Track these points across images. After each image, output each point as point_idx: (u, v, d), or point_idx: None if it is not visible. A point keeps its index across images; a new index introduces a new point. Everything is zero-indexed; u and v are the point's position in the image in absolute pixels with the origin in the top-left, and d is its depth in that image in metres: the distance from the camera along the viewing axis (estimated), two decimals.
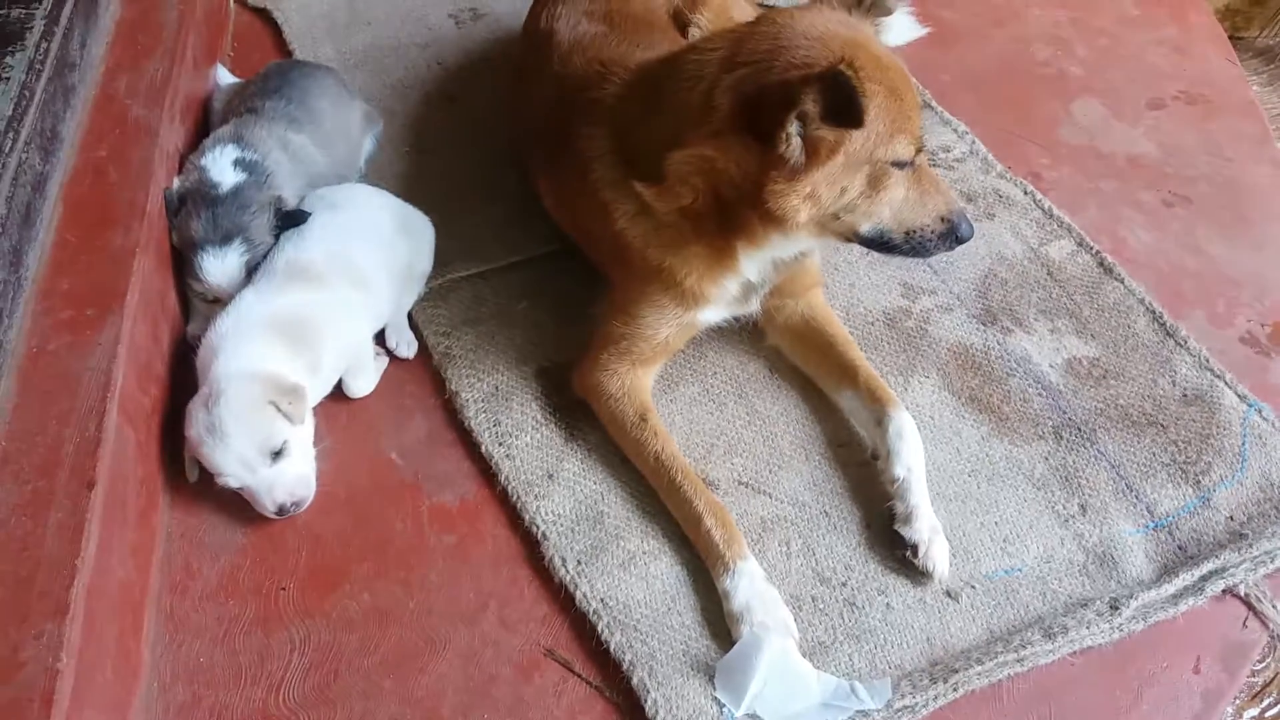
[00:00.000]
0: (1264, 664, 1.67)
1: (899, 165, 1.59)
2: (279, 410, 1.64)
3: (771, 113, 1.51)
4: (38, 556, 1.32)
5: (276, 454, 1.64)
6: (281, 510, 1.66)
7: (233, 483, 1.64)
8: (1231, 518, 1.78)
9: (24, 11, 1.80)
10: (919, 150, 1.61)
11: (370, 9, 2.77)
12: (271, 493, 1.65)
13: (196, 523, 1.71)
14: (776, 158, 1.53)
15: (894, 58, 1.62)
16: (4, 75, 1.69)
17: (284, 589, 1.63)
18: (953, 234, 1.68)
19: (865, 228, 1.66)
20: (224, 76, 2.36)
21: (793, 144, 1.52)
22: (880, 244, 1.69)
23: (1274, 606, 1.66)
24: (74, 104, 1.85)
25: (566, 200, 1.98)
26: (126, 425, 1.55)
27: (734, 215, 1.64)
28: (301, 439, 1.70)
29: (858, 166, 1.57)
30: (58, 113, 1.78)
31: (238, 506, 1.72)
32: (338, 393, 1.84)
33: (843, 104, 1.48)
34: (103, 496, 1.41)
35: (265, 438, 1.63)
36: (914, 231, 1.67)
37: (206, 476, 1.69)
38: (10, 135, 1.61)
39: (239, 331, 1.72)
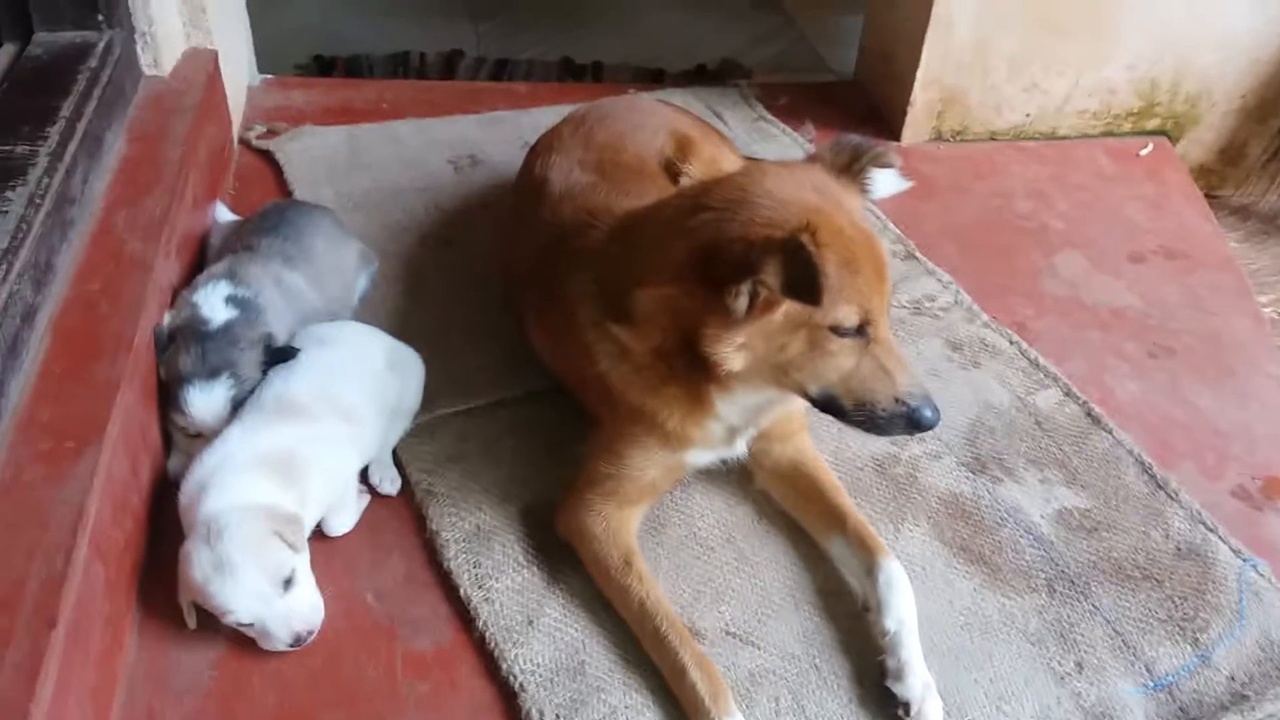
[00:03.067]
0: None
1: (839, 332, 1.57)
2: (283, 539, 1.61)
3: (727, 269, 1.52)
4: None
5: (287, 583, 1.61)
6: (298, 640, 1.62)
7: (245, 618, 1.59)
8: (1233, 678, 1.72)
9: (29, 148, 1.84)
10: (866, 323, 1.58)
11: (370, 153, 2.86)
12: (289, 623, 1.61)
13: (163, 663, 1.64)
14: (719, 305, 1.54)
15: (862, 227, 1.61)
16: (2, 209, 1.71)
17: None
18: (910, 418, 1.61)
19: (813, 388, 1.63)
20: (223, 214, 2.40)
21: (740, 301, 1.52)
22: (832, 409, 1.65)
23: None
24: (71, 238, 1.87)
25: (553, 342, 2.00)
26: (97, 560, 1.51)
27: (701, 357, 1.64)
28: (304, 567, 1.67)
29: (796, 327, 1.57)
30: (54, 246, 1.80)
31: (208, 645, 1.66)
32: (315, 530, 1.80)
33: (803, 281, 1.47)
34: (64, 636, 1.35)
35: (276, 567, 1.59)
36: (864, 405, 1.62)
37: (175, 618, 1.63)
38: (4, 267, 1.62)
39: (228, 467, 1.69)
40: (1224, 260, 2.74)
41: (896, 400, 1.60)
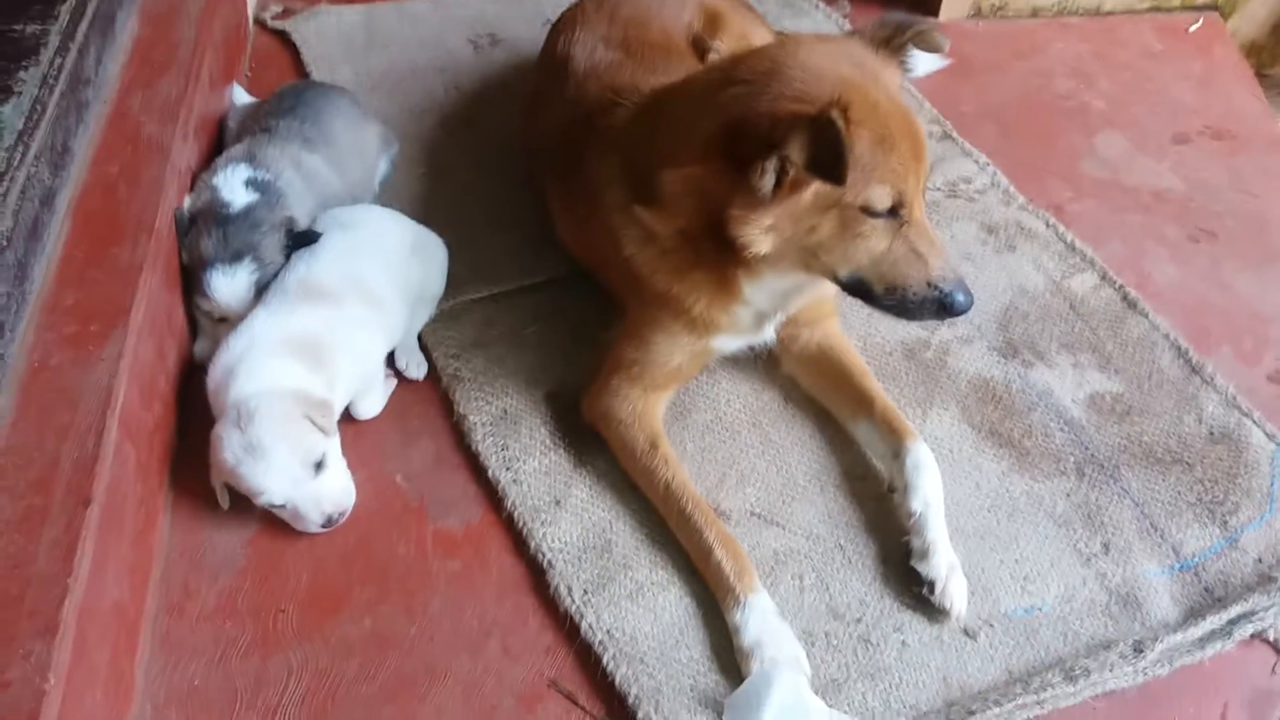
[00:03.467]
0: None
1: (871, 214, 1.52)
2: (313, 423, 1.62)
3: (753, 145, 1.46)
4: (28, 574, 1.28)
5: (318, 466, 1.62)
6: (329, 521, 1.64)
7: (277, 500, 1.61)
8: (1260, 560, 1.72)
9: (39, 27, 1.79)
10: (900, 204, 1.53)
11: (388, 33, 2.77)
12: (320, 505, 1.63)
13: (197, 542, 1.68)
14: (745, 185, 1.49)
15: (900, 104, 1.55)
16: (16, 89, 1.67)
17: (283, 611, 1.59)
18: (942, 303, 1.57)
19: (843, 272, 1.59)
20: (240, 96, 2.35)
21: (766, 179, 1.47)
22: (861, 293, 1.61)
23: None
24: (87, 120, 1.84)
25: (578, 226, 1.96)
26: (127, 442, 1.53)
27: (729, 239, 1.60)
28: (335, 451, 1.68)
29: (826, 208, 1.51)
30: (69, 128, 1.77)
31: (240, 525, 1.69)
32: (344, 414, 1.81)
33: (827, 158, 1.42)
34: (99, 514, 1.38)
35: (306, 450, 1.61)
36: (895, 289, 1.57)
37: (207, 499, 1.66)
38: (20, 149, 1.60)
39: (255, 351, 1.69)
40: (1273, 141, 2.63)
41: (929, 285, 1.56)
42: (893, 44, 1.63)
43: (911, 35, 1.64)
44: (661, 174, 1.63)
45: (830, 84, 1.49)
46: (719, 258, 1.64)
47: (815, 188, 1.50)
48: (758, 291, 1.71)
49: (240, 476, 1.60)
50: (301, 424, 1.61)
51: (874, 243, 1.55)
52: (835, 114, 1.42)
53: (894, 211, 1.54)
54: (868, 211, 1.52)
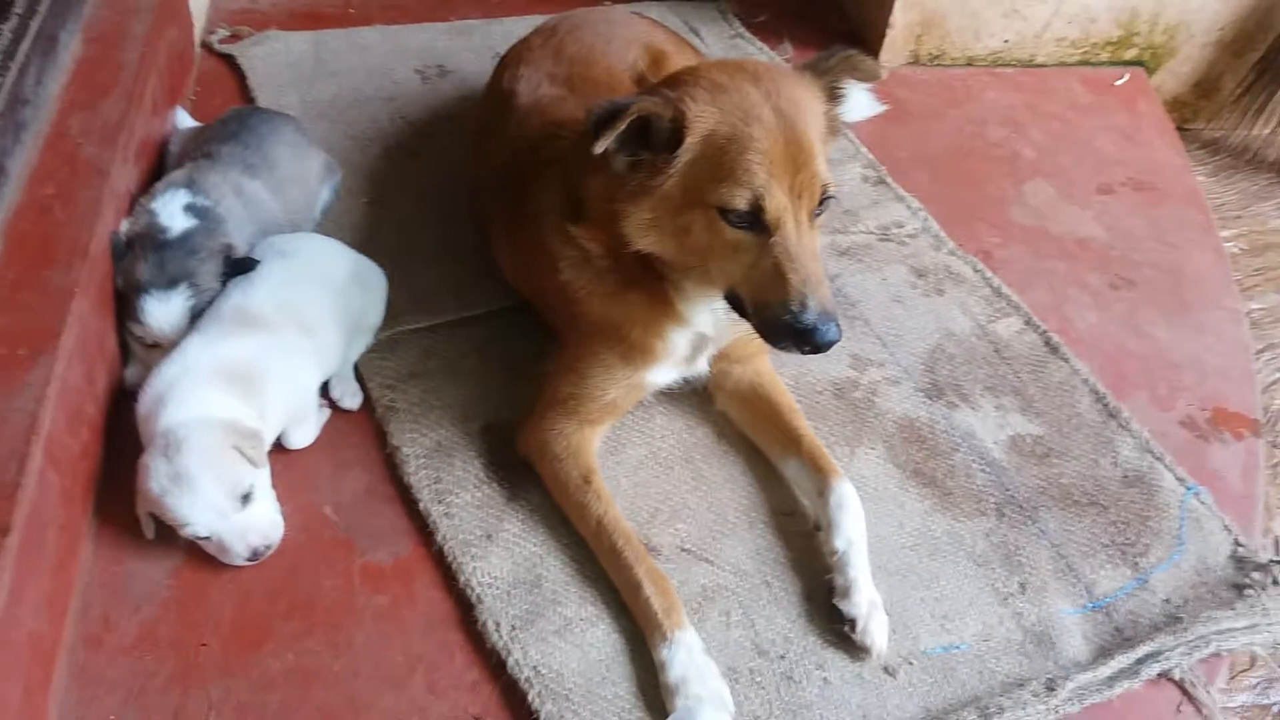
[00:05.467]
0: None
1: (730, 220, 1.52)
2: (242, 454, 1.61)
3: (599, 124, 1.51)
4: None
5: (245, 498, 1.61)
6: (255, 555, 1.63)
7: (202, 532, 1.60)
8: (1168, 600, 1.78)
9: None
10: (762, 213, 1.51)
11: (336, 61, 2.78)
12: (246, 538, 1.61)
13: (119, 572, 1.66)
14: (617, 176, 1.58)
15: (786, 115, 1.53)
16: None
17: (205, 645, 1.58)
18: (796, 329, 1.50)
19: (720, 282, 1.61)
20: (184, 120, 2.34)
21: (618, 159, 1.55)
22: (737, 308, 1.62)
23: (1207, 692, 1.66)
24: (24, 140, 1.83)
25: (518, 256, 1.99)
26: (51, 469, 1.51)
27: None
28: (264, 483, 1.67)
29: (691, 205, 1.55)
30: (5, 148, 1.75)
31: (165, 555, 1.68)
32: (275, 443, 1.81)
33: (661, 135, 1.52)
34: (17, 544, 1.36)
35: (234, 482, 1.60)
36: (762, 306, 1.55)
37: (133, 527, 1.64)
38: None
39: (187, 379, 1.68)
40: (1191, 194, 2.75)
41: (786, 308, 1.52)
42: (820, 68, 1.66)
43: (840, 61, 1.67)
44: (584, 185, 1.68)
45: (698, 82, 1.56)
46: (648, 274, 1.69)
47: (675, 177, 1.54)
48: (690, 308, 1.73)
49: (165, 507, 1.58)
50: (230, 455, 1.60)
51: (742, 254, 1.55)
52: (664, 94, 1.52)
53: (758, 222, 1.53)
54: (726, 216, 1.53)
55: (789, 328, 1.52)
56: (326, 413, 1.91)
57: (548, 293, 1.88)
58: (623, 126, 1.50)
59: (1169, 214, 2.66)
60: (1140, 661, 1.68)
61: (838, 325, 1.53)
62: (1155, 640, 1.70)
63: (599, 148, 1.50)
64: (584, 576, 1.72)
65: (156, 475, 1.58)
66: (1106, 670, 1.66)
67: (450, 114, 2.66)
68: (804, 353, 1.56)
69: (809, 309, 1.51)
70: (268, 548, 1.65)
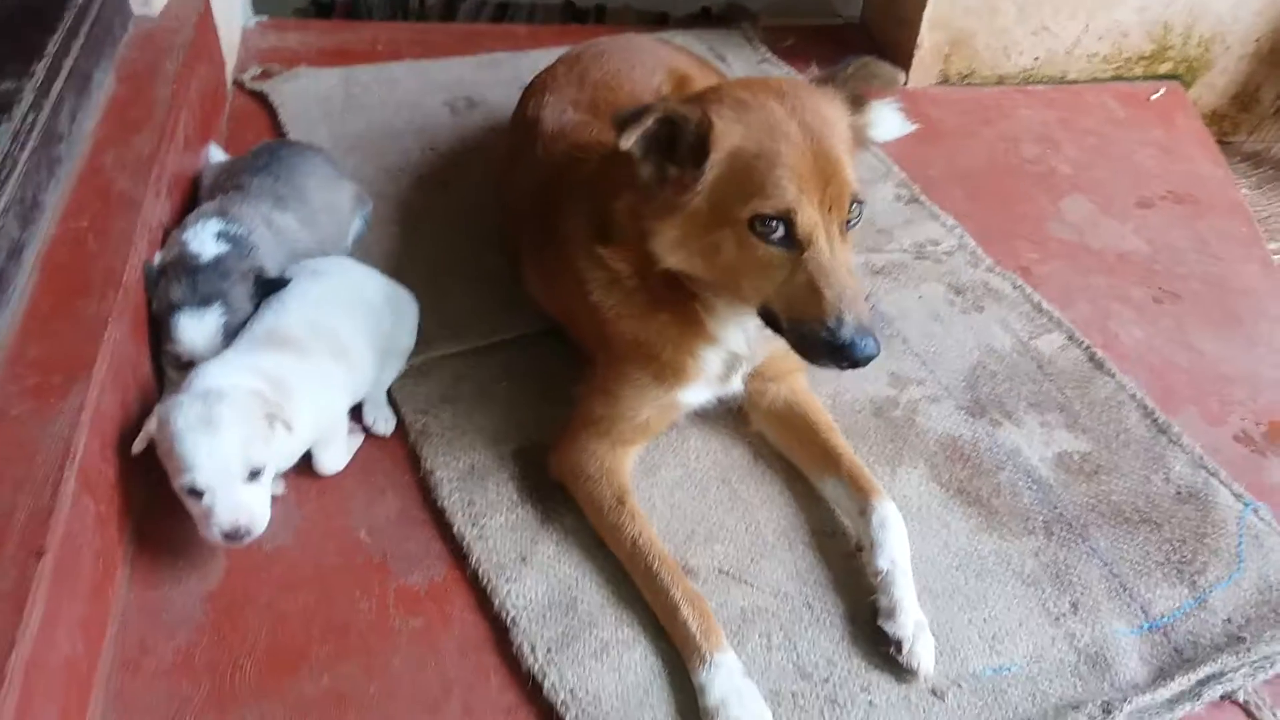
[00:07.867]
0: None
1: (763, 236, 1.49)
2: (269, 426, 1.60)
3: (625, 122, 1.50)
4: None
5: (254, 474, 1.59)
6: (233, 533, 1.56)
7: (201, 484, 1.55)
8: (1229, 620, 1.71)
9: (13, 84, 1.81)
10: (793, 227, 1.49)
11: (366, 95, 2.82)
12: (235, 511, 1.56)
13: (156, 597, 1.65)
14: (644, 191, 1.57)
15: (812, 129, 1.51)
16: None
17: (240, 669, 1.56)
18: (833, 345, 1.47)
19: (753, 299, 1.58)
20: (215, 154, 2.37)
21: (644, 168, 1.54)
22: (772, 324, 1.59)
23: (1274, 714, 1.59)
24: (59, 175, 1.85)
25: (548, 281, 1.98)
26: (86, 494, 1.50)
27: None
28: (270, 479, 1.65)
29: (721, 223, 1.53)
30: (41, 182, 1.77)
31: (200, 580, 1.67)
32: (309, 468, 1.80)
33: (687, 147, 1.51)
34: (52, 567, 1.35)
35: (254, 453, 1.58)
36: (798, 322, 1.52)
37: (172, 554, 1.63)
38: None
39: (226, 362, 1.70)
40: (1234, 206, 2.69)
41: (822, 324, 1.49)
42: (839, 79, 1.65)
43: (857, 68, 1.66)
44: (612, 206, 1.67)
45: (722, 99, 1.55)
46: (677, 293, 1.67)
47: (702, 193, 1.53)
48: (721, 327, 1.71)
49: (181, 445, 1.54)
50: (261, 425, 1.59)
51: (775, 270, 1.53)
52: (691, 107, 1.50)
53: (790, 238, 1.51)
54: (757, 231, 1.50)
55: (826, 344, 1.49)
56: (360, 438, 1.90)
57: (578, 315, 1.86)
58: (650, 122, 1.49)
59: (1212, 226, 2.60)
60: (1202, 683, 1.61)
61: (876, 340, 1.50)
62: (1217, 661, 1.63)
63: (625, 141, 1.49)
64: (620, 599, 1.68)
65: (185, 414, 1.56)
66: (1166, 692, 1.60)
67: (479, 145, 2.68)
68: (842, 369, 1.53)
69: (845, 324, 1.48)
70: (249, 533, 1.58)
